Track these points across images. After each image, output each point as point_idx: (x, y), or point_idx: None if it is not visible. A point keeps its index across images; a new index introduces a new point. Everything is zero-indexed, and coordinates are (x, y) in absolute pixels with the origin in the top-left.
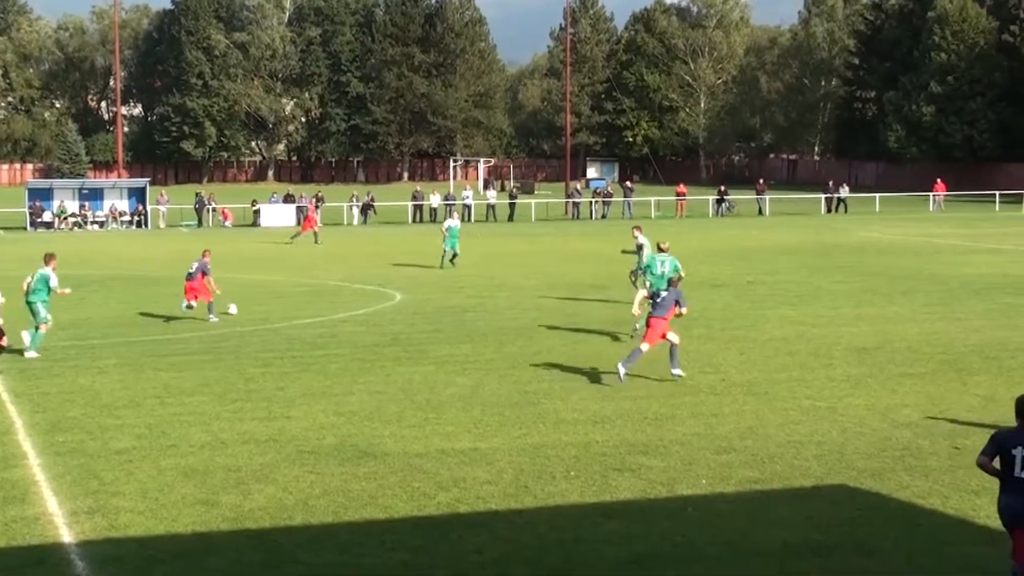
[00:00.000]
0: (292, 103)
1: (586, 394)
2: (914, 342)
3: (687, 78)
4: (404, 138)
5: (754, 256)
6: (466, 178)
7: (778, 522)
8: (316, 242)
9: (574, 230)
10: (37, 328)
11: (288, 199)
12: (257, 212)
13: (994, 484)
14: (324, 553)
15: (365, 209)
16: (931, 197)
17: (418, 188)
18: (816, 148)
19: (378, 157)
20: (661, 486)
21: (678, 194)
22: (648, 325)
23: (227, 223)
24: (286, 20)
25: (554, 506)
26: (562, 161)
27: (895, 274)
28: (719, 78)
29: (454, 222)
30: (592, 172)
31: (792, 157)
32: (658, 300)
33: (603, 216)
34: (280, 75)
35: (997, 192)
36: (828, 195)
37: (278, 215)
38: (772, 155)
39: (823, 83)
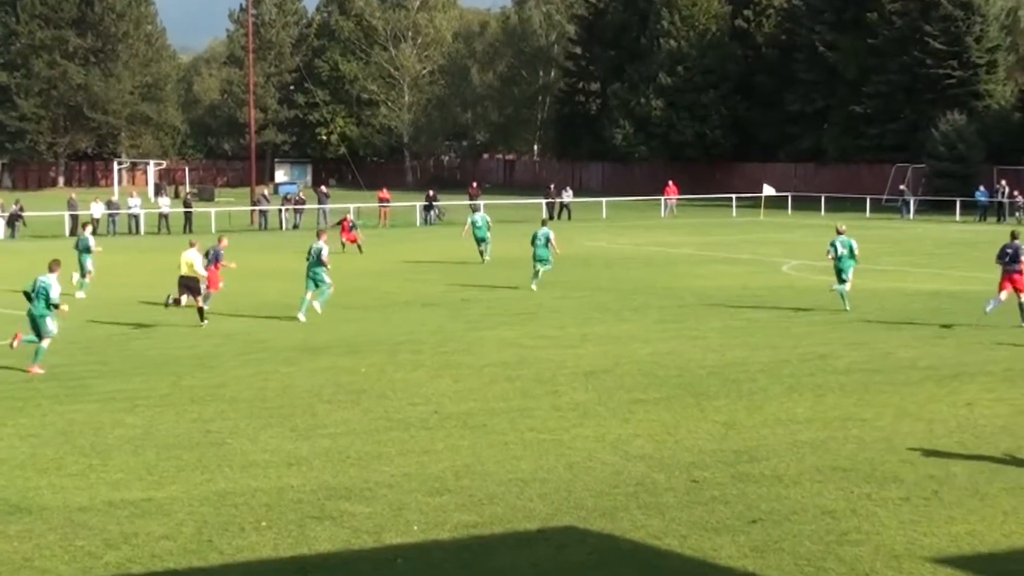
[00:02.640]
0: None
1: (278, 432)
2: (647, 364)
3: (389, 67)
4: (58, 137)
5: (468, 270)
6: (133, 183)
7: (500, 571)
8: None
9: (261, 242)
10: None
11: None
12: None
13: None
14: None
15: (12, 220)
16: (662, 201)
17: (74, 195)
18: (535, 147)
19: (27, 159)
20: (367, 535)
21: (380, 200)
22: None
23: None
24: None
25: (243, 562)
26: (246, 163)
27: (625, 288)
28: (424, 67)
29: (478, 216)
30: (282, 175)
31: (509, 157)
32: None
33: (295, 226)
34: None
35: (734, 195)
36: (549, 200)
37: None
38: (486, 155)
39: (541, 74)
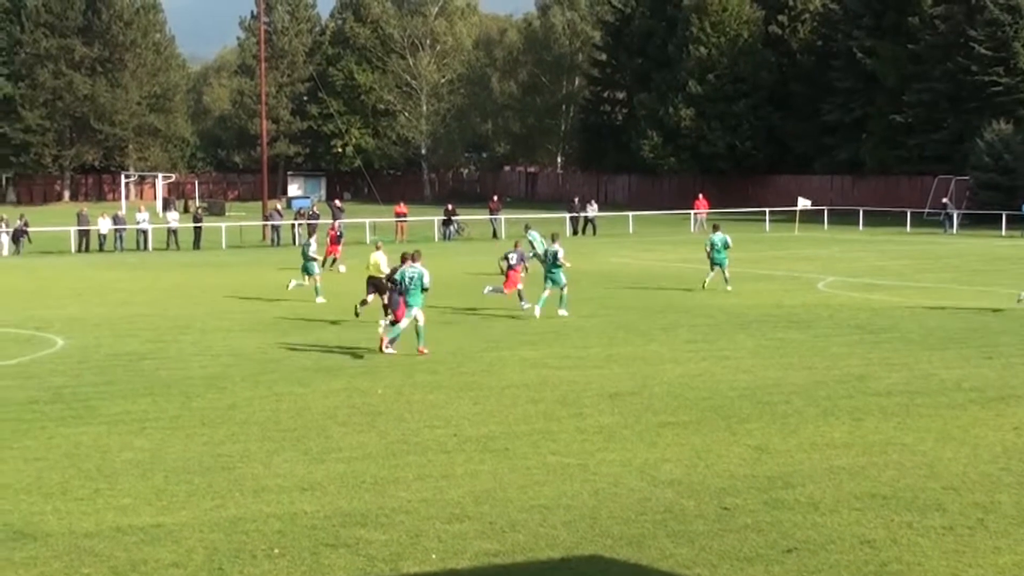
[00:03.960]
0: None
1: (291, 455)
2: (675, 386)
3: (406, 76)
4: (64, 149)
5: (483, 285)
6: (141, 197)
7: None
8: None
9: (274, 258)
10: None
11: None
12: None
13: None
14: None
15: (17, 236)
16: (692, 215)
17: (85, 209)
18: (559, 159)
19: (32, 172)
20: (383, 563)
21: (397, 214)
22: None
23: None
24: None
25: None
26: (258, 176)
27: (653, 306)
28: (443, 76)
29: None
30: (295, 189)
31: (531, 170)
32: None
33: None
34: None
35: (767, 209)
36: (573, 214)
37: None
38: (508, 167)
39: (565, 83)
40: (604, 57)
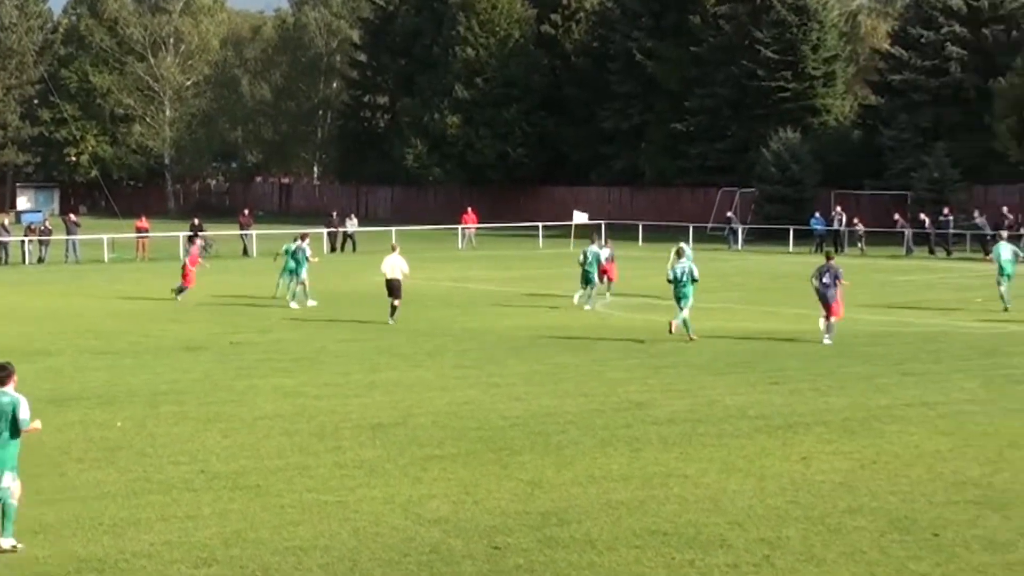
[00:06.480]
0: None
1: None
2: (442, 415)
3: (147, 78)
4: None
5: (240, 310)
6: None
7: None
8: None
9: (2, 278)
10: None
11: None
12: None
13: None
14: None
15: None
16: (460, 230)
17: None
18: (315, 169)
19: None
20: None
21: (138, 230)
22: None
23: None
24: None
25: None
26: None
27: (418, 329)
28: (189, 78)
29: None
30: (24, 202)
31: (285, 181)
32: None
33: (40, 259)
34: None
35: (540, 224)
36: (331, 229)
37: None
38: (260, 178)
39: (322, 86)
40: (364, 58)
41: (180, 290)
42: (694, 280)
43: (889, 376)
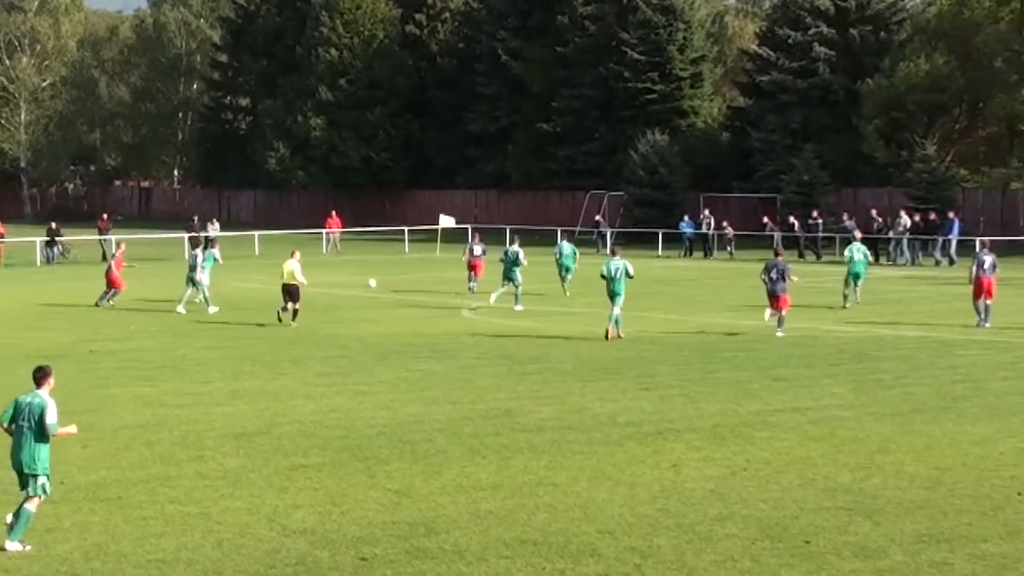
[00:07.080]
0: None
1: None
2: (307, 424)
3: (2, 79)
4: None
5: (100, 317)
6: None
7: None
8: None
9: None
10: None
11: None
12: None
13: None
14: None
15: None
16: (324, 235)
17: None
18: (176, 172)
19: None
20: None
21: None
22: None
23: None
24: None
25: None
26: None
27: (283, 337)
28: (45, 79)
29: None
30: None
31: (145, 184)
32: None
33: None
34: None
35: (406, 228)
36: (193, 234)
37: None
38: (119, 182)
39: (182, 87)
40: (225, 59)
41: (112, 295)
42: (629, 276)
43: (759, 381)
